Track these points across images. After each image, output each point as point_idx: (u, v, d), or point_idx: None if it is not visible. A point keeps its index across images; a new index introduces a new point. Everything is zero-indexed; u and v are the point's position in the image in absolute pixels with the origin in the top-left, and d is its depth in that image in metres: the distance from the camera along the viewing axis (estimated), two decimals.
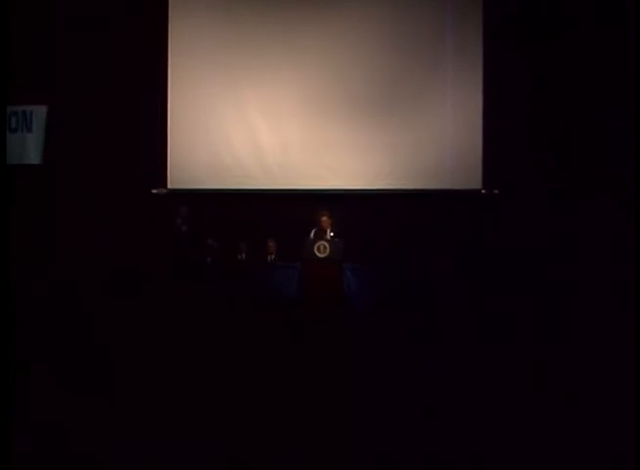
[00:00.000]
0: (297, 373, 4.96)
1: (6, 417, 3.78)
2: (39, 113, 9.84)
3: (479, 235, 8.94)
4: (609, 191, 8.63)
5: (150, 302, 6.53)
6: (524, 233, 8.73)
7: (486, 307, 6.62)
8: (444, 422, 4.15)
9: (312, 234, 8.46)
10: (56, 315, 5.91)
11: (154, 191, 9.90)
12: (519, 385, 4.59)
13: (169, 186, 10.01)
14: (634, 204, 7.14)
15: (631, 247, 6.08)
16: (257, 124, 10.03)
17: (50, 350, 5.12)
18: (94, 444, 3.87)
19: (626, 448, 3.61)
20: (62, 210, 9.30)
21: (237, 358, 5.22)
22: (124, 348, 5.26)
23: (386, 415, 4.27)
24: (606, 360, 4.91)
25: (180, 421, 4.11)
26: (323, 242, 7.98)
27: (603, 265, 7.41)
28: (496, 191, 9.61)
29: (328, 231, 8.46)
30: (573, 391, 4.45)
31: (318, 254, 7.89)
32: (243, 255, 9.17)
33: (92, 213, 9.26)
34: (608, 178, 8.79)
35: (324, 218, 8.50)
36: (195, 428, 4.03)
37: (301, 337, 6.14)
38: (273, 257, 9.15)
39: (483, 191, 9.73)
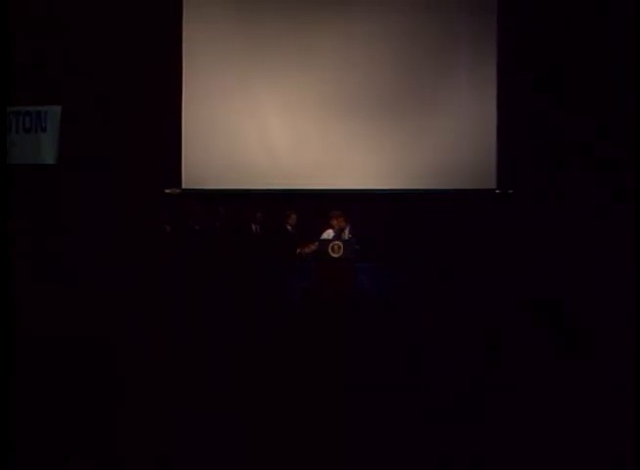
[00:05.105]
0: (308, 373, 4.92)
1: (6, 417, 3.77)
2: (53, 113, 9.92)
3: (492, 234, 8.88)
4: (613, 190, 8.60)
5: (154, 301, 6.54)
6: (537, 232, 8.68)
7: (500, 307, 6.56)
8: (448, 422, 4.09)
9: (327, 234, 8.43)
10: (56, 315, 5.92)
11: (167, 191, 9.93)
12: (520, 385, 4.53)
13: (183, 186, 10.04)
14: (634, 204, 7.11)
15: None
16: (271, 125, 10.05)
17: (50, 350, 5.12)
18: (94, 444, 3.85)
19: (626, 449, 3.56)
20: (72, 210, 9.36)
21: (247, 358, 5.19)
22: (125, 348, 5.25)
23: (394, 415, 4.22)
24: (606, 360, 4.85)
25: (181, 421, 4.08)
26: (337, 242, 7.94)
27: (604, 267, 7.37)
28: (510, 191, 9.57)
29: (346, 231, 8.43)
30: (574, 392, 4.39)
31: (332, 254, 7.84)
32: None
33: (104, 214, 9.30)
34: (609, 178, 8.77)
35: (340, 218, 8.46)
36: (195, 428, 4.00)
37: (314, 337, 6.10)
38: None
39: (497, 191, 9.68)
